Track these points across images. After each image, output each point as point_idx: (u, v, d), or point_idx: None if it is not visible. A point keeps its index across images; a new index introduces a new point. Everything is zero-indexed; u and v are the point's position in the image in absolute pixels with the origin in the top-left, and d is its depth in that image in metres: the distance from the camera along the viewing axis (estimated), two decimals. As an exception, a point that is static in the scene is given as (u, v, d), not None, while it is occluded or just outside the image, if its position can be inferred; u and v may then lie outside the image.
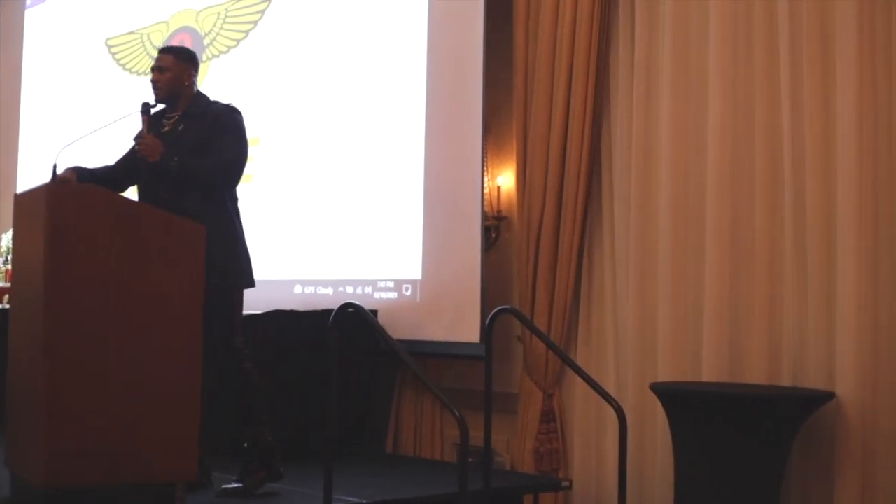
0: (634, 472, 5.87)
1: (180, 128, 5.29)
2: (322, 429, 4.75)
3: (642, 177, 6.09)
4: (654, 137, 6.07)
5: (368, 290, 7.10)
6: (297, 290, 7.42)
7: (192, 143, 5.20)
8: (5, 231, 8.65)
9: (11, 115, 10.36)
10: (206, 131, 5.22)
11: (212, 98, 5.45)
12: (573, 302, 6.42)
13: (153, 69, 5.36)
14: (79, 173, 5.16)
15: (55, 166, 4.99)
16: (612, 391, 5.86)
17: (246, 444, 5.18)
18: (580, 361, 6.20)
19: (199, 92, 5.43)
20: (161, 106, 5.37)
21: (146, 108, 5.28)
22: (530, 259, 6.50)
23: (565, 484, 6.02)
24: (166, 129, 5.32)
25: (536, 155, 6.51)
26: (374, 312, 6.50)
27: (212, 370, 5.21)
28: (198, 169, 5.12)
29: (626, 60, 6.30)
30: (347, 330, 5.89)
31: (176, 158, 5.10)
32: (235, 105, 5.38)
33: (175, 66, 5.33)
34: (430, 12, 7.01)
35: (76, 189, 4.49)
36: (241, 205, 5.35)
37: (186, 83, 5.33)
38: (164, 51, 5.44)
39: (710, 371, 5.63)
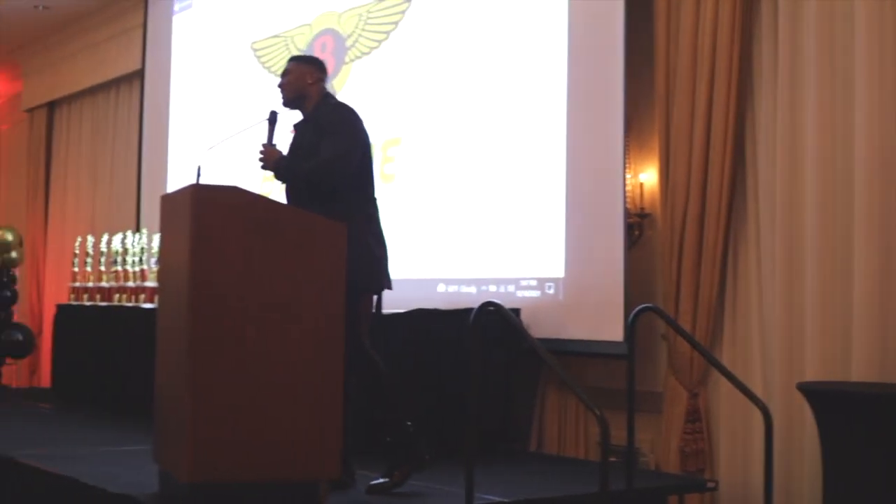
0: (782, 474, 5.76)
1: (298, 133, 5.41)
2: (465, 427, 4.76)
3: (788, 173, 5.98)
4: (799, 134, 5.95)
5: (511, 288, 7.10)
6: (441, 288, 7.46)
7: (305, 147, 5.28)
8: (157, 233, 8.86)
9: (161, 119, 10.64)
10: (316, 134, 5.26)
11: (348, 101, 5.48)
12: (718, 300, 6.33)
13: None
14: None
15: (199, 168, 5.09)
16: (758, 391, 5.77)
17: (388, 438, 5.21)
18: (725, 360, 6.11)
19: (326, 95, 5.47)
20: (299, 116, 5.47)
21: (273, 116, 5.40)
22: (674, 257, 6.43)
23: (711, 485, 5.93)
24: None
25: (679, 151, 6.43)
26: (517, 311, 6.49)
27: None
28: (297, 173, 5.21)
29: (770, 57, 6.18)
30: (490, 328, 5.89)
31: (283, 164, 5.23)
32: (346, 103, 5.42)
33: (295, 69, 5.43)
34: (571, 9, 6.98)
35: (220, 191, 4.57)
36: (383, 204, 5.39)
37: (309, 82, 5.39)
38: (288, 60, 5.57)
39: (859, 370, 5.50)
